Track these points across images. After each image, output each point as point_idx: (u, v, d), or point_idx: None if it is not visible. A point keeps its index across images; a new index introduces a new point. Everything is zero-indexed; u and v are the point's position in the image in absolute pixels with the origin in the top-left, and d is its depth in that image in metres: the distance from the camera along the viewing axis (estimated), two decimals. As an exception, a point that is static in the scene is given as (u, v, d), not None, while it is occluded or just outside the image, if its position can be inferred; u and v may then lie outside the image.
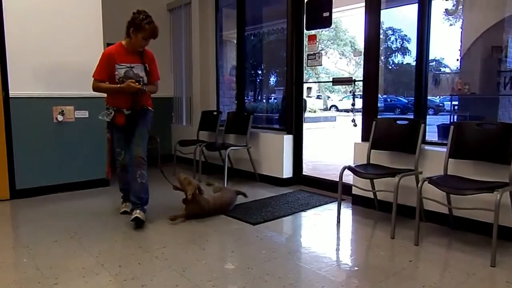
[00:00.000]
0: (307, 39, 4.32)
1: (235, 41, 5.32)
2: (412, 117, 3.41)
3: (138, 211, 3.04)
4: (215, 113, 5.28)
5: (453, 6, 4.47)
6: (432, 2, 3.28)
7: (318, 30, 4.37)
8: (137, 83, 3.00)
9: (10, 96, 3.78)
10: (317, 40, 4.32)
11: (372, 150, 3.37)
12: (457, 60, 5.28)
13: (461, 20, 5.09)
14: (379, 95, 3.71)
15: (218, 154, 4.97)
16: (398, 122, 3.34)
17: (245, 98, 5.54)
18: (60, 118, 4.03)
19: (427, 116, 3.46)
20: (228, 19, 5.61)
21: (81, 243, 2.74)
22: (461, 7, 4.34)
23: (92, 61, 4.14)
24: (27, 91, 3.85)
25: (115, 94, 3.08)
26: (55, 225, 3.13)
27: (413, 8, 3.33)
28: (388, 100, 14.02)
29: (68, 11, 4.03)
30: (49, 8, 3.93)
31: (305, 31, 4.32)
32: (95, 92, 3.19)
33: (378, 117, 3.56)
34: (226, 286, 2.15)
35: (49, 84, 3.98)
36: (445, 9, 3.96)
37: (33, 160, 3.93)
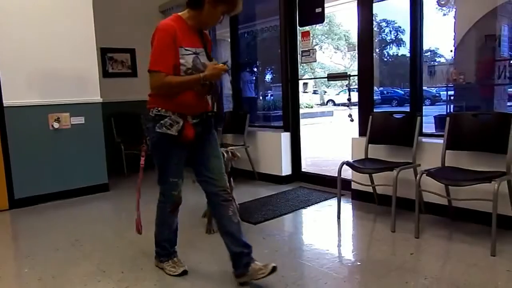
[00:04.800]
0: (300, 36, 4.31)
1: (229, 40, 5.31)
2: (408, 108, 3.41)
3: (257, 262, 2.09)
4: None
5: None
6: (424, -7, 3.27)
7: (312, 26, 4.36)
8: (221, 64, 2.07)
9: (4, 106, 3.76)
10: (311, 35, 4.31)
11: (369, 145, 3.37)
12: (451, 51, 5.28)
13: (454, 10, 5.08)
14: (375, 88, 3.71)
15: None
16: (394, 115, 3.34)
17: (241, 96, 5.53)
18: (56, 125, 4.01)
19: (424, 107, 3.46)
20: (220, 18, 5.59)
21: (82, 250, 2.74)
22: (453, -3, 4.34)
23: (86, 66, 4.17)
24: (21, 100, 3.83)
25: (186, 92, 2.05)
26: (56, 233, 3.12)
27: (406, 0, 3.33)
28: (385, 92, 14.04)
29: (59, 17, 4.01)
30: (40, 15, 3.90)
31: (298, 27, 4.31)
32: (158, 93, 2.07)
33: (376, 110, 3.56)
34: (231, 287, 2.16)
35: (43, 92, 3.96)
36: (437, 0, 3.95)
37: (31, 169, 3.92)
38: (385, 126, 3.35)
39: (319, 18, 4.03)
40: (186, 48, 2.02)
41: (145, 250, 2.66)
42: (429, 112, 4.92)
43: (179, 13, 2.09)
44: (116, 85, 5.45)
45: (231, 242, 2.11)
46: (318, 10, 3.95)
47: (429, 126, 4.17)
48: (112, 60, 5.55)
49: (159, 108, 2.06)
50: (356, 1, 3.60)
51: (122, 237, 2.98)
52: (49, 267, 2.46)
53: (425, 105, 3.57)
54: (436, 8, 5.01)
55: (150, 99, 2.13)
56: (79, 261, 2.56)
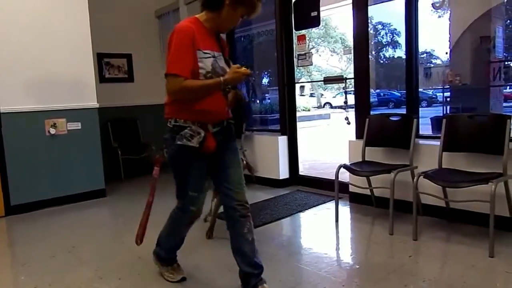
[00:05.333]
0: (296, 39, 4.33)
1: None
2: (405, 110, 3.42)
3: (265, 285, 2.03)
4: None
5: (440, -1, 4.49)
6: (419, -4, 3.29)
7: (307, 29, 4.37)
8: (243, 67, 1.90)
9: (1, 112, 3.74)
10: (308, 38, 4.32)
11: (366, 147, 3.37)
12: (446, 53, 5.31)
13: (449, 12, 5.12)
14: (372, 90, 3.72)
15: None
16: (391, 118, 3.35)
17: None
18: (52, 131, 4.00)
19: (421, 109, 3.47)
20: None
21: (79, 257, 2.72)
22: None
23: (82, 72, 4.16)
24: (18, 106, 3.82)
25: (205, 98, 1.90)
26: (52, 240, 3.10)
27: (401, 2, 3.34)
28: (382, 94, 14.09)
29: (55, 23, 4.00)
30: (37, 21, 3.90)
31: (294, 31, 4.32)
32: (175, 98, 1.92)
33: (373, 112, 3.57)
34: (227, 293, 2.15)
35: (40, 98, 3.95)
36: (432, 3, 3.98)
37: (27, 175, 3.90)
38: (381, 129, 3.35)
39: (315, 21, 4.05)
40: (205, 51, 1.88)
41: (143, 255, 2.65)
42: (426, 114, 4.94)
43: (196, 15, 1.97)
44: (113, 90, 5.45)
45: (241, 261, 2.01)
46: (314, 13, 3.97)
47: (425, 128, 4.18)
48: (109, 65, 5.55)
49: (177, 119, 1.92)
50: (351, 4, 3.62)
51: (119, 243, 2.97)
52: (46, 275, 2.45)
53: (422, 106, 3.59)
54: (431, 10, 5.04)
55: (168, 108, 1.98)
56: (76, 267, 2.54)
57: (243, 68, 1.87)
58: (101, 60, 5.44)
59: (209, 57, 1.89)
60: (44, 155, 3.99)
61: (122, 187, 4.81)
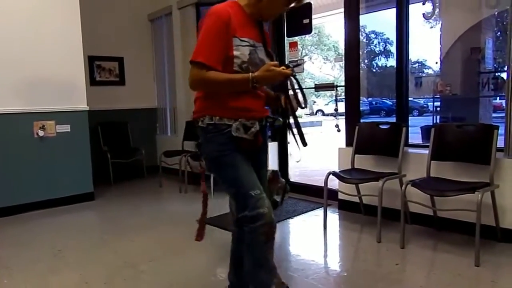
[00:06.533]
0: (288, 46, 4.34)
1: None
2: (395, 119, 3.45)
3: None
4: (199, 122, 5.24)
5: (431, 9, 4.55)
6: (410, 6, 3.32)
7: (300, 36, 4.39)
8: (284, 67, 1.64)
9: (-11, 113, 3.71)
10: (301, 46, 4.34)
11: (356, 155, 3.39)
12: (436, 63, 5.37)
13: (440, 23, 5.19)
14: (364, 99, 3.76)
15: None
16: (380, 126, 3.37)
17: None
18: (41, 133, 3.96)
19: (412, 118, 3.50)
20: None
21: (65, 260, 2.68)
22: (438, 10, 4.43)
23: (72, 74, 4.14)
24: (6, 107, 3.78)
25: (240, 94, 1.67)
26: (38, 243, 3.05)
27: (393, 12, 3.37)
28: (373, 103, 14.19)
29: (46, 25, 3.97)
30: (27, 22, 3.87)
31: (286, 38, 4.34)
32: (196, 91, 1.72)
33: (364, 120, 3.59)
34: (213, 299, 2.13)
35: (29, 99, 3.91)
36: (423, 13, 4.03)
37: (14, 177, 3.85)
38: (371, 137, 3.37)
39: (307, 29, 4.07)
40: (242, 39, 1.64)
41: (129, 260, 2.63)
42: (417, 123, 4.98)
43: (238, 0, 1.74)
44: (104, 93, 5.42)
45: (235, 271, 1.94)
46: (306, 21, 3.99)
47: (417, 137, 4.21)
48: (100, 68, 5.52)
49: (213, 116, 1.67)
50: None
51: (106, 247, 2.93)
52: (30, 279, 2.41)
53: (413, 115, 3.62)
54: (424, 20, 5.11)
55: (198, 104, 1.72)
56: (61, 272, 2.50)
57: (282, 68, 1.62)
58: (93, 62, 5.41)
59: (247, 45, 1.65)
60: (32, 157, 3.94)
61: (111, 191, 4.77)
